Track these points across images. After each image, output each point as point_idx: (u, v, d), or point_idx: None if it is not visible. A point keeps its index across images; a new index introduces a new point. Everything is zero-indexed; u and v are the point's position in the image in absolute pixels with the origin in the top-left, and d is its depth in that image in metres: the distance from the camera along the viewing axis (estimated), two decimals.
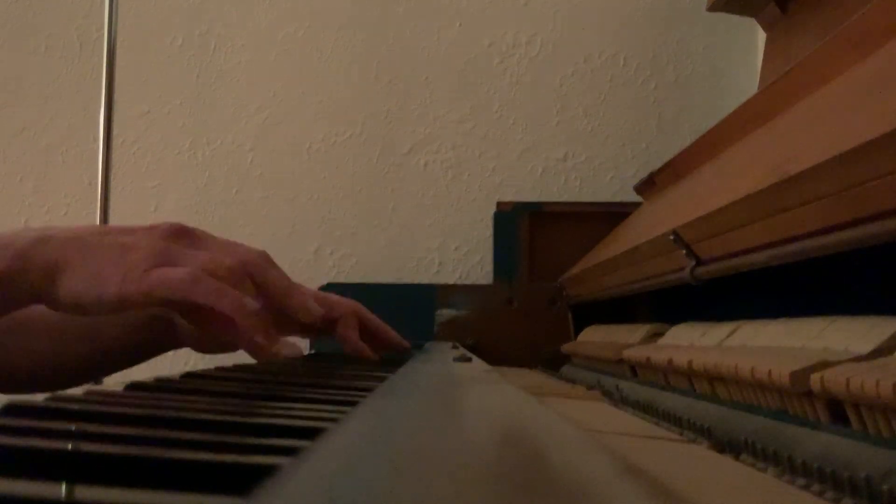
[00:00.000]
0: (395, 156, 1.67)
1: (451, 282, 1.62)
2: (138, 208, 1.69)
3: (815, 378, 0.41)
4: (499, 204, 1.56)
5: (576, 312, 1.33)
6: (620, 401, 0.73)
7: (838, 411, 0.41)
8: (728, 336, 0.65)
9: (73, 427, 0.23)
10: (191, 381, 0.40)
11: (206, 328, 0.56)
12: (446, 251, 1.65)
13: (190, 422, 0.25)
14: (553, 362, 1.25)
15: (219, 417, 0.26)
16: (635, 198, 1.42)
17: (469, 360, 0.62)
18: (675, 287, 0.80)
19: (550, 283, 1.38)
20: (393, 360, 0.69)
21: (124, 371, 0.75)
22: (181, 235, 0.54)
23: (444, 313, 1.43)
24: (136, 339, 0.73)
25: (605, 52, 1.66)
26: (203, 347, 0.72)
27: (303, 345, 1.10)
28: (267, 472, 0.16)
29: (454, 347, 0.93)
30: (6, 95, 1.73)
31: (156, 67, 1.71)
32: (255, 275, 0.55)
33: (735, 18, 1.40)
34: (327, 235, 1.67)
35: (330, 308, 0.70)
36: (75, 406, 0.27)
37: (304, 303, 0.58)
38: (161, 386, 0.36)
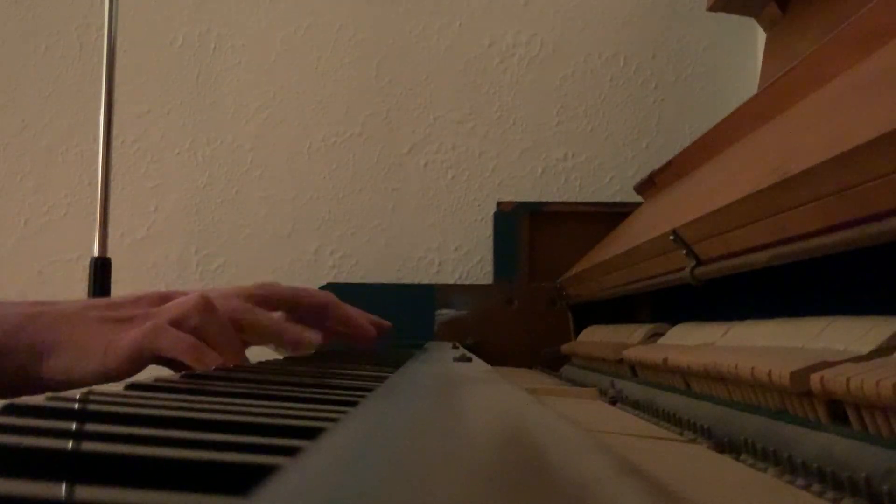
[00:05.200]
0: (395, 156, 1.67)
1: (451, 282, 1.62)
2: (138, 208, 1.69)
3: (815, 378, 0.41)
4: (499, 204, 1.56)
5: (576, 312, 1.33)
6: (620, 401, 0.73)
7: (838, 411, 0.41)
8: (727, 336, 0.65)
9: (73, 427, 0.23)
10: (191, 381, 0.40)
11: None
12: (446, 251, 1.65)
13: (190, 422, 0.25)
14: (553, 362, 1.25)
15: (219, 417, 0.26)
16: (635, 198, 1.42)
17: (469, 360, 0.62)
18: (675, 287, 0.80)
19: (550, 283, 1.38)
20: (393, 360, 0.69)
21: None
22: (166, 301, 0.56)
23: (444, 313, 1.43)
24: None
25: (605, 52, 1.66)
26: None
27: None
28: (267, 472, 0.16)
29: (454, 347, 0.93)
30: (6, 95, 1.73)
31: (156, 67, 1.71)
32: (242, 320, 0.57)
33: (735, 18, 1.40)
34: (327, 235, 1.67)
35: (310, 296, 0.72)
36: (75, 406, 0.27)
37: (299, 338, 0.61)
38: (161, 386, 0.36)
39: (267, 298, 0.64)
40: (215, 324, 0.55)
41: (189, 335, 0.53)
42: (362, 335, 0.76)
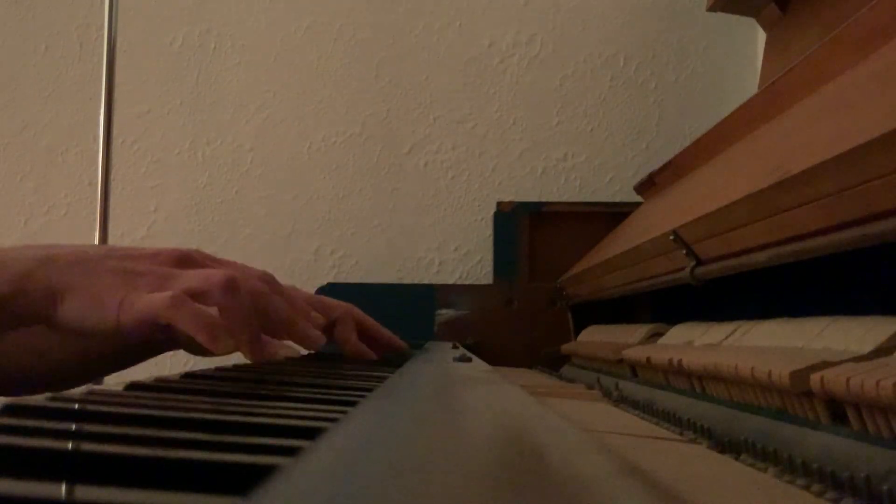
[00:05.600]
0: (395, 156, 1.67)
1: (451, 282, 1.62)
2: (138, 208, 1.69)
3: (815, 378, 0.41)
4: (499, 204, 1.56)
5: (576, 312, 1.33)
6: (620, 401, 0.73)
7: (838, 411, 0.41)
8: (728, 336, 0.65)
9: (73, 427, 0.23)
10: (191, 381, 0.40)
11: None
12: (446, 251, 1.65)
13: (190, 422, 0.25)
14: (553, 362, 1.25)
15: (219, 417, 0.26)
16: (635, 198, 1.42)
17: (469, 360, 0.62)
18: (675, 287, 0.80)
19: (550, 283, 1.38)
20: (393, 360, 0.69)
21: (124, 371, 0.75)
22: (185, 261, 0.54)
23: (444, 313, 1.43)
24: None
25: (605, 52, 1.66)
26: (198, 351, 0.72)
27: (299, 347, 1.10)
28: (267, 472, 0.16)
29: (454, 347, 0.93)
30: (6, 95, 1.73)
31: (156, 67, 1.71)
32: (258, 303, 0.55)
33: (735, 18, 1.40)
34: (327, 235, 1.67)
35: (326, 311, 0.70)
36: (75, 406, 0.27)
37: (307, 333, 0.58)
38: (161, 386, 0.36)
39: (283, 288, 0.63)
40: (238, 309, 0.52)
41: (209, 312, 0.50)
42: (392, 347, 0.76)
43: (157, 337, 0.54)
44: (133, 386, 0.35)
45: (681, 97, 1.65)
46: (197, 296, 0.51)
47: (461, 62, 1.68)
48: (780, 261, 0.58)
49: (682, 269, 0.75)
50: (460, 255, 1.65)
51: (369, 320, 0.75)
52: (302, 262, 1.66)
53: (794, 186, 0.52)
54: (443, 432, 0.23)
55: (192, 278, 0.52)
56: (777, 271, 0.60)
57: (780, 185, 0.54)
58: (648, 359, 0.72)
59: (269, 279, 0.59)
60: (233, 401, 0.32)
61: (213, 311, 0.51)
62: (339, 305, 0.72)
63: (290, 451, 0.19)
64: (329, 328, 0.71)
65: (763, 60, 1.19)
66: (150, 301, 0.49)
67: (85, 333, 0.50)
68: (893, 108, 0.45)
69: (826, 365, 0.42)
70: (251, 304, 0.53)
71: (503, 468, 0.17)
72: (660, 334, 0.84)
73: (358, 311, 0.74)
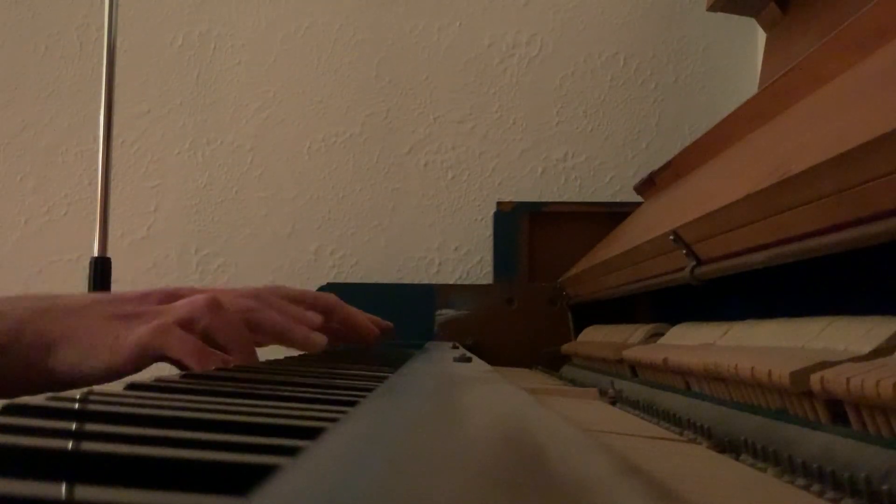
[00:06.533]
0: (395, 156, 1.67)
1: (451, 282, 1.62)
2: (138, 208, 1.69)
3: (815, 378, 0.41)
4: (499, 204, 1.56)
5: (576, 312, 1.33)
6: (620, 401, 0.73)
7: (838, 411, 0.41)
8: (727, 336, 0.65)
9: (73, 427, 0.23)
10: (191, 381, 0.40)
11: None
12: (446, 251, 1.65)
13: (190, 422, 0.25)
14: (553, 362, 1.25)
15: (219, 417, 0.26)
16: (635, 198, 1.42)
17: (469, 360, 0.62)
18: (675, 287, 0.80)
19: (550, 283, 1.38)
20: (393, 360, 0.69)
21: None
22: (173, 298, 0.56)
23: (444, 313, 1.43)
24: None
25: (605, 52, 1.66)
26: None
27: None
28: (267, 472, 0.16)
29: (454, 347, 0.93)
30: (6, 95, 1.73)
31: (156, 67, 1.71)
32: (249, 318, 0.56)
33: (735, 18, 1.40)
34: (327, 235, 1.67)
35: (315, 300, 0.72)
36: (75, 406, 0.27)
37: (307, 338, 0.60)
38: (161, 386, 0.36)
39: (272, 300, 0.64)
40: (225, 324, 0.54)
41: (195, 338, 0.52)
42: (365, 336, 0.77)
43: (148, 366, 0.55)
44: (133, 386, 0.35)
45: (681, 97, 1.65)
46: (185, 323, 0.53)
47: (461, 62, 1.68)
48: (780, 261, 0.58)
49: (682, 269, 0.75)
50: (460, 255, 1.65)
51: (352, 309, 0.77)
52: (302, 262, 1.66)
53: (794, 186, 0.52)
54: (443, 432, 0.23)
55: (178, 309, 0.54)
56: (777, 271, 0.60)
57: (780, 185, 0.54)
58: (648, 359, 0.72)
59: (254, 294, 0.61)
60: (233, 401, 0.32)
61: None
62: (326, 296, 0.74)
63: (290, 451, 0.19)
64: (327, 318, 0.72)
65: (763, 60, 1.19)
66: (139, 334, 0.51)
67: (78, 379, 0.51)
68: (893, 108, 0.45)
69: (826, 365, 0.42)
70: (240, 320, 0.55)
71: (503, 468, 0.17)
72: (660, 334, 0.84)
73: (341, 301, 0.76)
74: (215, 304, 0.54)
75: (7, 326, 0.51)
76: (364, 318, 0.77)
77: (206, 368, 0.51)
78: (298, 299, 0.70)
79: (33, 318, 0.51)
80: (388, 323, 0.81)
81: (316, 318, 0.67)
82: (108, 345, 0.51)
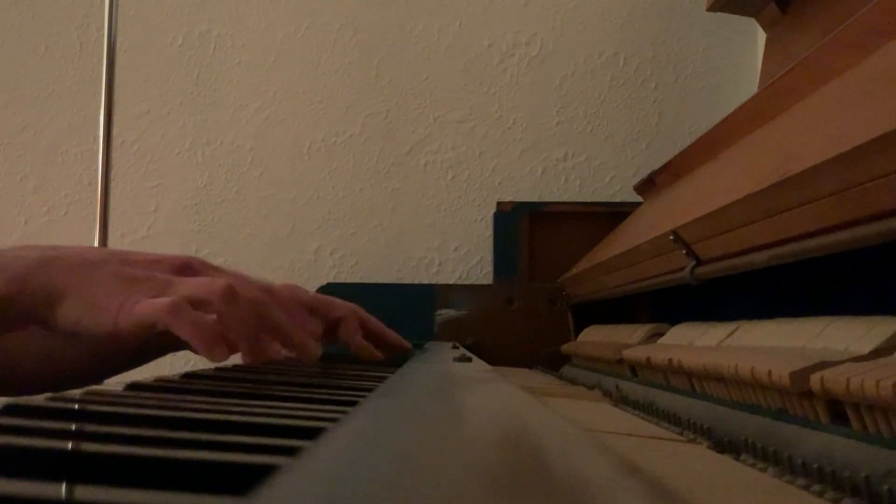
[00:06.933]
0: (395, 156, 1.67)
1: (450, 282, 1.62)
2: (138, 208, 1.69)
3: (815, 378, 0.41)
4: (499, 204, 1.56)
5: (576, 312, 1.33)
6: (620, 401, 0.73)
7: (838, 411, 0.41)
8: (728, 336, 0.65)
9: (73, 427, 0.23)
10: (191, 381, 0.40)
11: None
12: (446, 251, 1.65)
13: (190, 422, 0.25)
14: (553, 362, 1.25)
15: (219, 417, 0.26)
16: (635, 198, 1.42)
17: (469, 360, 0.62)
18: (675, 287, 0.80)
19: (550, 283, 1.38)
20: (393, 360, 0.69)
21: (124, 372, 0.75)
22: (185, 269, 0.54)
23: (444, 313, 1.43)
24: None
25: (605, 52, 1.66)
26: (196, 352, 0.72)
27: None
28: (267, 472, 0.16)
29: (454, 347, 0.93)
30: (6, 95, 1.73)
31: (156, 67, 1.71)
32: (256, 312, 0.55)
33: (735, 18, 1.40)
34: (327, 235, 1.67)
35: (330, 310, 0.70)
36: (75, 406, 0.27)
37: (304, 345, 0.59)
38: (161, 386, 0.36)
39: (287, 300, 0.63)
40: (238, 320, 0.52)
41: (207, 320, 0.51)
42: (396, 347, 0.75)
43: (153, 342, 0.54)
44: (133, 386, 0.35)
45: (681, 97, 1.65)
46: (197, 303, 0.51)
47: (461, 62, 1.68)
48: (780, 261, 0.58)
49: (682, 269, 0.75)
50: (460, 255, 1.65)
51: (374, 320, 0.75)
52: (302, 262, 1.66)
53: (794, 186, 0.52)
54: (443, 432, 0.23)
55: (192, 286, 0.52)
56: (777, 271, 0.60)
57: (780, 185, 0.54)
58: (648, 359, 0.72)
59: (268, 289, 0.59)
60: (233, 401, 0.32)
61: (213, 318, 0.51)
62: (344, 305, 0.72)
63: (290, 451, 0.19)
64: (333, 327, 0.71)
65: (763, 60, 1.19)
66: (150, 306, 0.50)
67: (82, 336, 0.50)
68: (893, 108, 0.45)
69: (826, 365, 0.42)
70: (250, 312, 0.54)
71: (503, 468, 0.17)
72: (660, 334, 0.84)
73: (362, 311, 0.74)
74: (232, 295, 0.52)
75: (11, 276, 0.50)
76: (392, 333, 0.76)
77: (211, 356, 0.50)
78: (311, 305, 0.68)
79: (38, 267, 0.50)
80: (407, 344, 0.79)
81: (317, 327, 0.67)
82: (115, 308, 0.50)
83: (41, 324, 0.51)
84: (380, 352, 0.72)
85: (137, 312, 0.49)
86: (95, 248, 0.54)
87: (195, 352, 0.66)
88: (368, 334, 0.73)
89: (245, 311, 0.53)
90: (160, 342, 0.69)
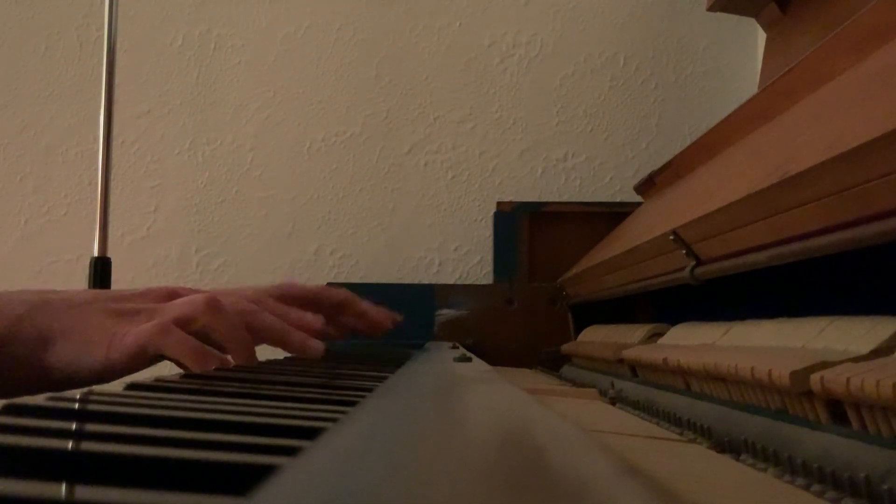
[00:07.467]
0: (395, 156, 1.67)
1: (450, 282, 1.62)
2: (138, 208, 1.69)
3: (815, 378, 0.41)
4: (499, 204, 1.56)
5: (576, 312, 1.33)
6: (620, 401, 0.73)
7: (838, 411, 0.41)
8: (727, 336, 0.65)
9: (73, 427, 0.23)
10: (191, 381, 0.40)
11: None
12: (446, 251, 1.65)
13: (190, 421, 0.25)
14: (553, 362, 1.25)
15: (219, 417, 0.26)
16: (635, 198, 1.42)
17: (469, 360, 0.62)
18: (675, 287, 0.80)
19: (550, 283, 1.38)
20: (393, 360, 0.69)
21: None
22: (172, 297, 0.56)
23: (444, 313, 1.43)
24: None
25: (605, 52, 1.66)
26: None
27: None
28: (267, 472, 0.16)
29: (454, 347, 0.93)
30: (6, 95, 1.73)
31: (156, 67, 1.71)
32: (247, 321, 0.56)
33: (735, 18, 1.40)
34: (327, 235, 1.67)
35: (328, 296, 0.73)
36: (75, 406, 0.27)
37: (304, 344, 0.60)
38: (161, 386, 0.36)
39: (287, 297, 0.64)
40: (224, 324, 0.54)
41: (193, 338, 0.52)
42: (378, 329, 0.78)
43: (147, 367, 0.55)
44: (133, 386, 0.35)
45: (681, 97, 1.65)
46: (183, 322, 0.52)
47: (461, 62, 1.68)
48: (780, 261, 0.58)
49: (682, 269, 0.75)
50: (460, 255, 1.65)
51: (359, 303, 0.78)
52: (302, 262, 1.66)
53: (794, 186, 0.52)
54: (443, 432, 0.23)
55: (175, 307, 0.54)
56: (777, 271, 0.60)
57: (780, 185, 0.54)
58: (648, 359, 0.72)
59: (256, 299, 0.61)
60: (233, 401, 0.32)
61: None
62: (341, 290, 0.75)
63: (290, 451, 0.19)
64: (336, 312, 0.73)
65: (763, 60, 1.19)
66: (138, 333, 0.51)
67: (75, 375, 0.51)
68: (893, 108, 0.45)
69: (826, 365, 0.42)
70: (238, 320, 0.55)
71: (503, 468, 0.17)
72: (660, 334, 0.84)
73: (355, 296, 0.77)
74: (214, 304, 0.54)
75: (5, 321, 0.50)
76: (376, 311, 0.79)
77: (204, 369, 0.51)
78: (313, 296, 0.70)
79: (31, 312, 0.51)
80: (399, 315, 0.82)
81: (317, 321, 0.67)
82: (106, 342, 0.51)
83: (35, 367, 0.52)
84: (374, 329, 0.75)
85: (126, 342, 0.51)
86: (85, 290, 0.57)
87: (188, 370, 0.67)
88: (361, 315, 0.76)
89: (232, 318, 0.55)
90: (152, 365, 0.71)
